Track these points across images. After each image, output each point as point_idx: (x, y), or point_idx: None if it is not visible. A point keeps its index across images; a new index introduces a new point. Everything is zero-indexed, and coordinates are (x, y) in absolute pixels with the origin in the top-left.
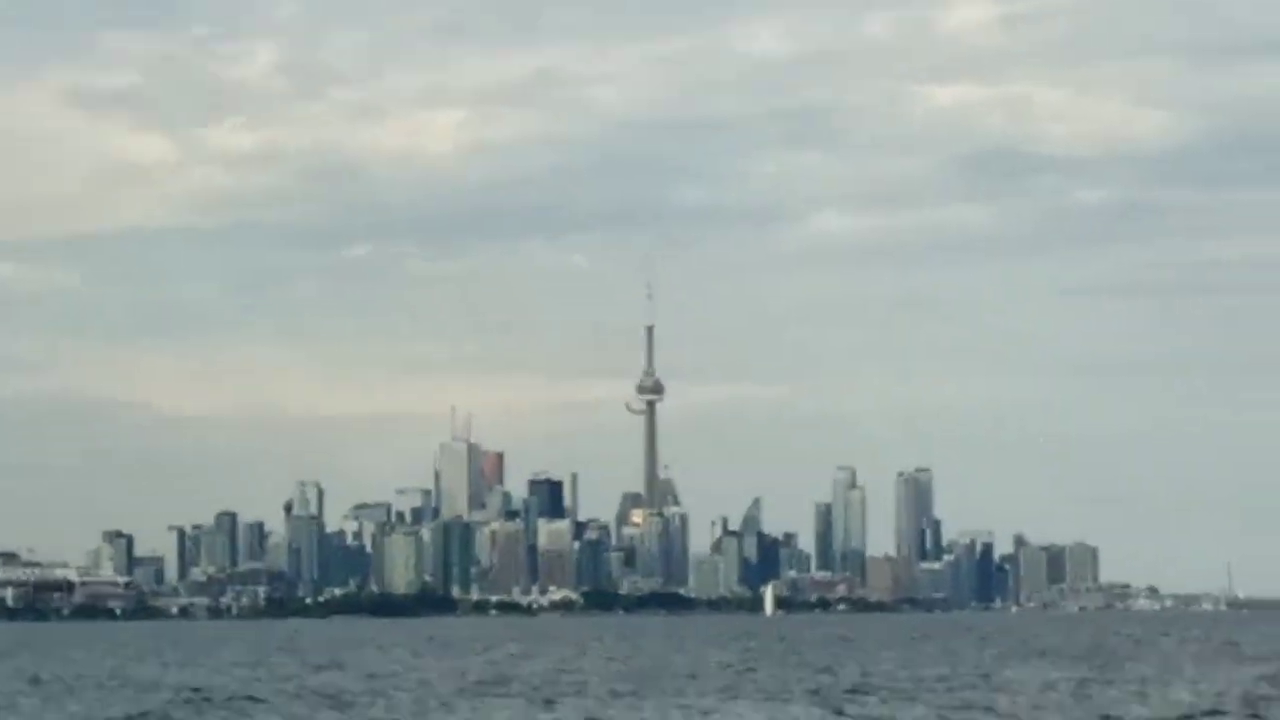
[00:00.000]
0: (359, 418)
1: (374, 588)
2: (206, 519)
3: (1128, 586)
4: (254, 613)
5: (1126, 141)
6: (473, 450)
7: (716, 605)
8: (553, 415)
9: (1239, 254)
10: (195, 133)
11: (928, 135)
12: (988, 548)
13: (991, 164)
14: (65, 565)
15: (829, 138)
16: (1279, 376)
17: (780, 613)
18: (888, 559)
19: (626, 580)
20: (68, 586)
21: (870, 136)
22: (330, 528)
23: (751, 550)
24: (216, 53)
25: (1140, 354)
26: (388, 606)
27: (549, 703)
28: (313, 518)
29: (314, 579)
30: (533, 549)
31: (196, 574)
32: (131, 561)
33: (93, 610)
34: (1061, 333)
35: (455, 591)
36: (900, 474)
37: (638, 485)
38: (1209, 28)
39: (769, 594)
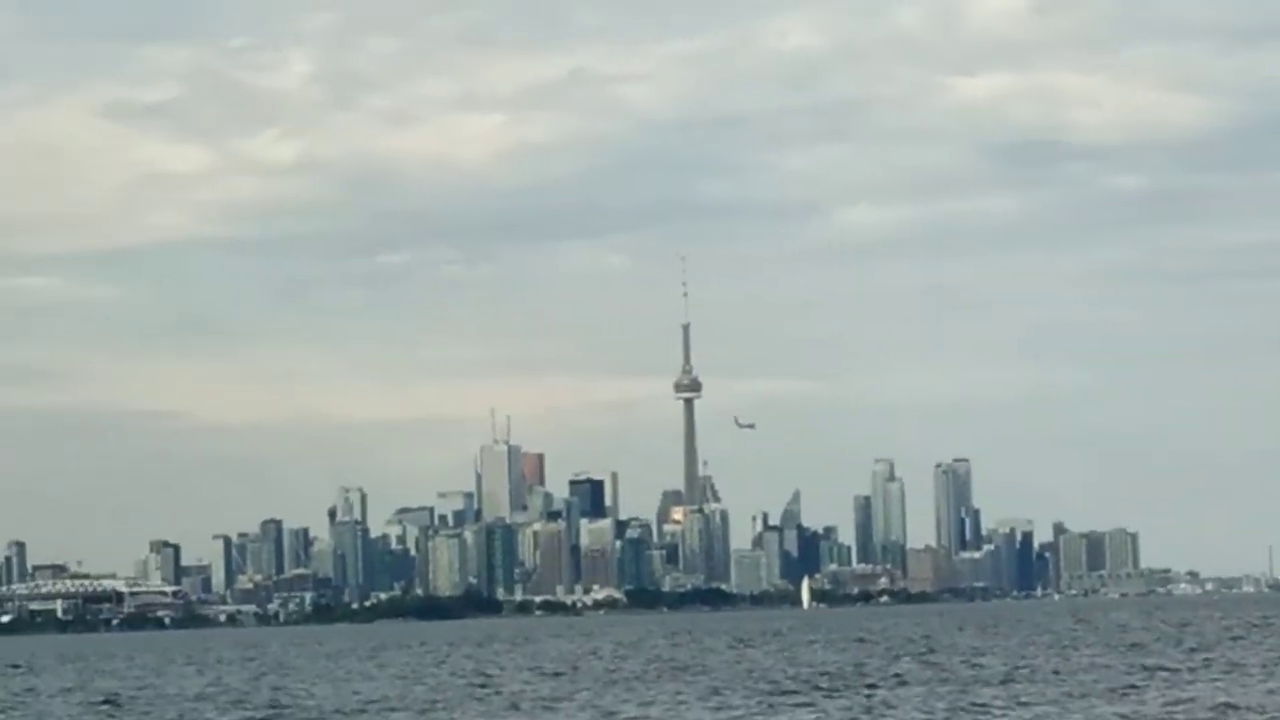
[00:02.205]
0: (399, 422)
1: (419, 591)
2: (252, 527)
3: (1168, 571)
4: (301, 618)
5: (1159, 127)
6: (513, 452)
7: (759, 600)
8: (591, 415)
9: (1275, 237)
10: (232, 143)
11: (957, 125)
12: (1027, 536)
13: (1022, 153)
14: (114, 576)
15: (858, 130)
16: None
17: (820, 606)
18: (928, 550)
19: (669, 577)
20: (117, 597)
21: (900, 128)
22: (374, 532)
23: (792, 544)
24: (252, 63)
25: (1177, 339)
26: (433, 609)
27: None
28: (357, 523)
29: (359, 583)
30: (575, 549)
31: (243, 581)
32: (179, 571)
33: (142, 620)
34: (1096, 320)
35: (499, 593)
36: (938, 465)
37: (678, 483)
38: (1241, 11)
39: (805, 588)
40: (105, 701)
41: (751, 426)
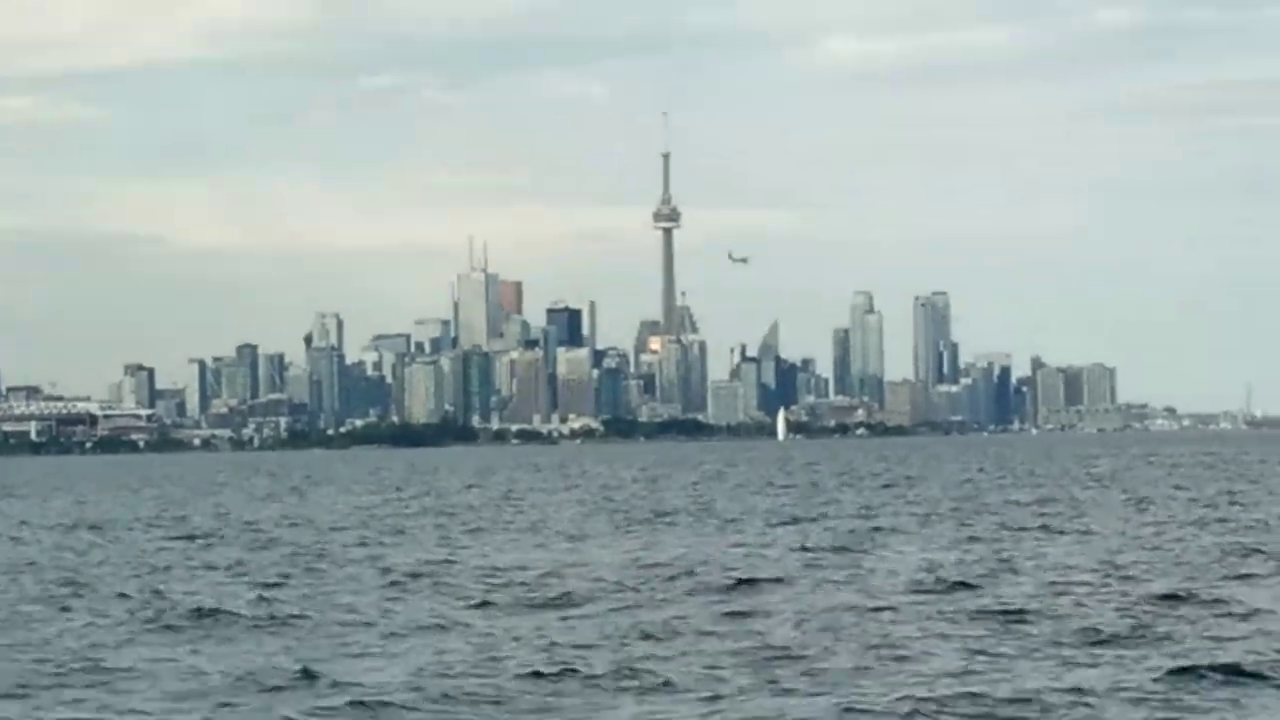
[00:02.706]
0: (377, 249)
1: (394, 418)
2: (227, 351)
3: (1145, 407)
4: (276, 444)
5: None
6: (491, 280)
7: (735, 431)
8: (570, 244)
9: (1264, 74)
10: None
11: None
12: (1005, 370)
13: None
14: (88, 399)
15: None
16: None
17: (796, 437)
18: (905, 383)
19: (646, 407)
20: (90, 420)
21: None
22: (350, 359)
23: (770, 376)
24: None
25: (1161, 177)
26: (409, 437)
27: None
28: (333, 349)
29: (335, 410)
30: (552, 378)
31: (218, 406)
32: (153, 394)
33: (115, 443)
34: (1081, 156)
35: (475, 421)
36: (917, 298)
37: (656, 313)
38: None
39: (781, 420)
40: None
41: (745, 261)
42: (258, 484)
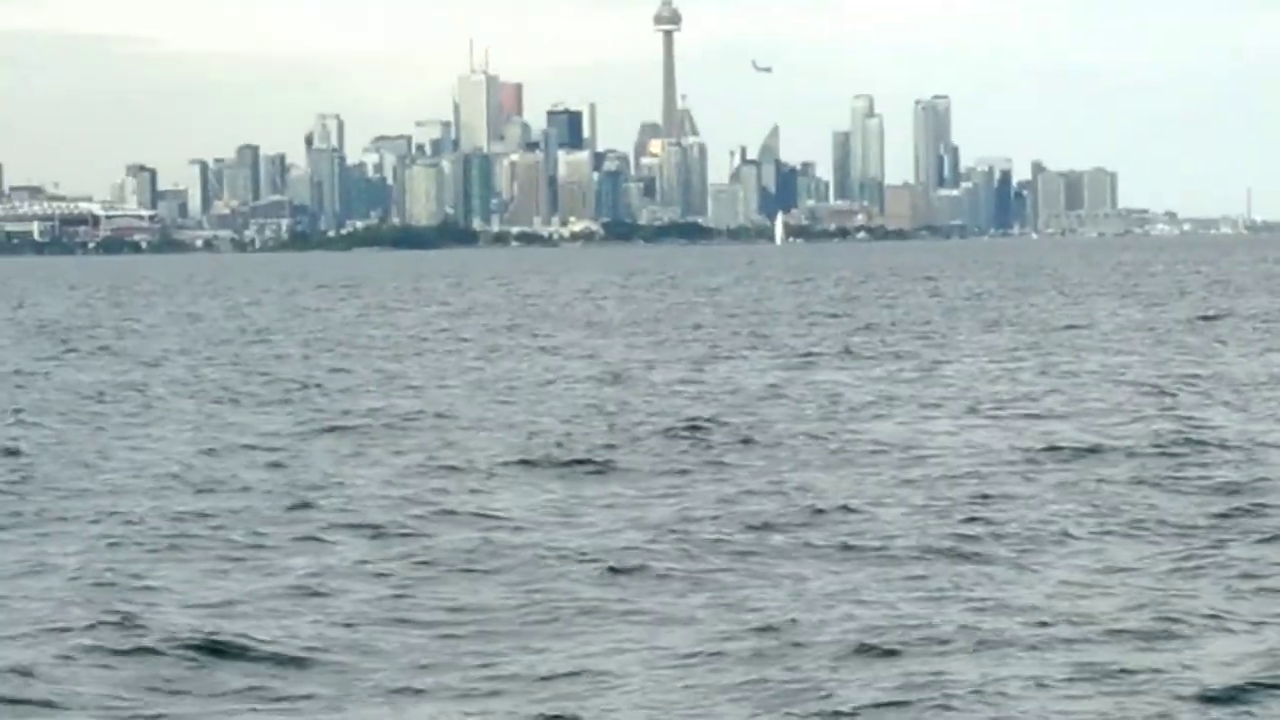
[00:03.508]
0: (377, 51)
1: (395, 220)
2: (228, 153)
3: (1146, 212)
4: (277, 245)
5: None
6: (491, 82)
7: (735, 235)
8: (571, 46)
9: None
10: None
11: None
12: (1005, 174)
13: None
14: (90, 199)
15: None
16: None
17: (797, 241)
18: (906, 187)
19: (646, 210)
20: (93, 220)
21: None
22: (351, 160)
23: (770, 179)
24: None
25: None
26: (409, 239)
27: None
28: (333, 150)
29: (336, 212)
30: (552, 180)
31: (219, 207)
32: (155, 195)
33: (118, 244)
34: None
35: (476, 223)
36: (918, 102)
37: (656, 116)
38: None
39: (779, 224)
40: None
41: (769, 70)
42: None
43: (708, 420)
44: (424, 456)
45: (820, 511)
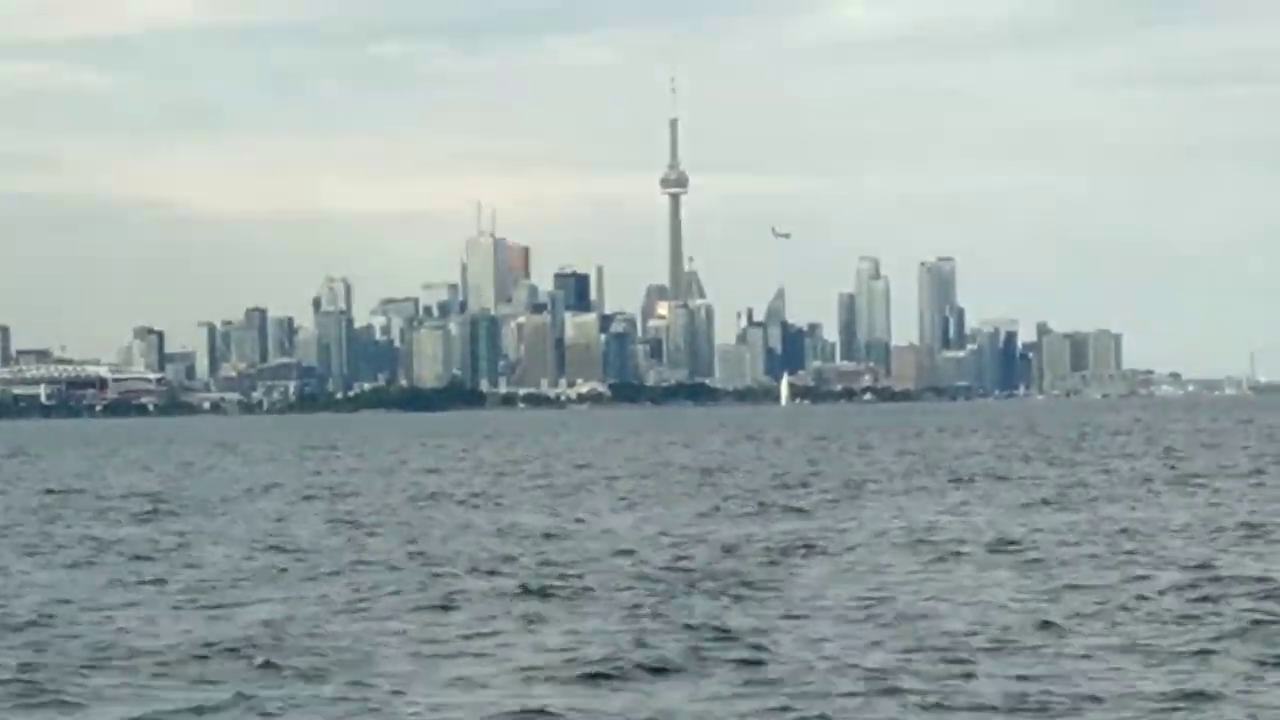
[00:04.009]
0: (386, 214)
1: (403, 382)
2: (236, 315)
3: (1150, 373)
4: (285, 407)
5: None
6: (499, 244)
7: (742, 396)
8: (578, 209)
9: (1271, 41)
10: None
11: None
12: (1011, 335)
13: None
14: (97, 362)
15: None
16: None
17: (802, 402)
18: (911, 348)
19: (653, 372)
20: (100, 383)
21: None
22: (359, 323)
23: (776, 341)
24: None
25: (1168, 142)
26: (417, 400)
27: None
28: (341, 313)
29: (343, 374)
30: (559, 342)
31: (227, 370)
32: (163, 358)
33: (125, 407)
34: (1088, 122)
35: (483, 385)
36: (923, 263)
37: (663, 278)
38: None
39: (784, 385)
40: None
41: (787, 236)
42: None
43: None
44: None
45: None
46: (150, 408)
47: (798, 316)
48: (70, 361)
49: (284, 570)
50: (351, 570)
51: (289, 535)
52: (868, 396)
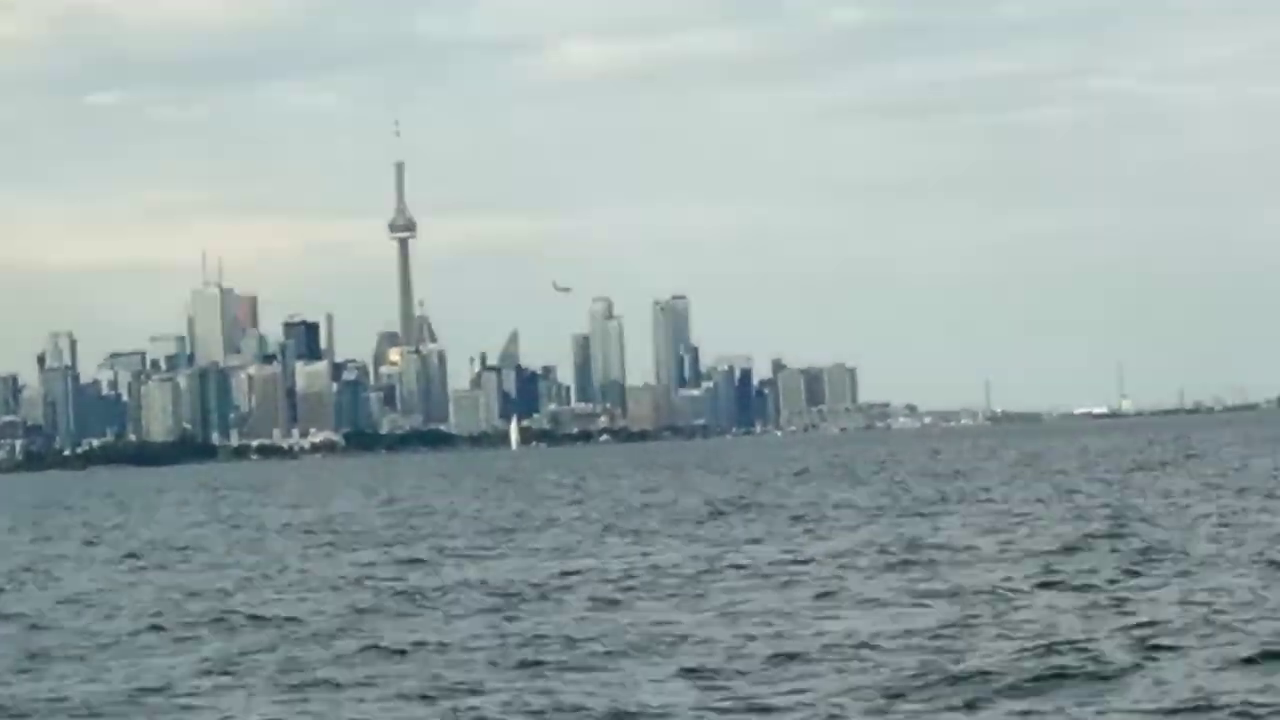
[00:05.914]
0: (109, 267)
1: (132, 437)
2: None
3: (887, 405)
4: (11, 466)
5: None
6: (226, 295)
7: (478, 441)
8: (305, 257)
9: (1005, 70)
10: None
11: None
12: (746, 373)
13: None
14: None
15: None
16: (1041, 194)
17: (539, 445)
18: (648, 387)
19: (387, 419)
20: None
21: None
22: (85, 378)
23: (511, 384)
24: None
25: (895, 174)
26: (147, 455)
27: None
28: (67, 368)
29: (71, 430)
30: (291, 392)
31: None
32: None
33: None
34: (818, 157)
35: (215, 438)
36: (656, 302)
37: (394, 324)
38: None
39: (514, 429)
40: None
41: (568, 290)
42: None
43: None
44: None
45: None
46: None
47: (532, 359)
48: None
49: None
50: None
51: None
52: (604, 438)
